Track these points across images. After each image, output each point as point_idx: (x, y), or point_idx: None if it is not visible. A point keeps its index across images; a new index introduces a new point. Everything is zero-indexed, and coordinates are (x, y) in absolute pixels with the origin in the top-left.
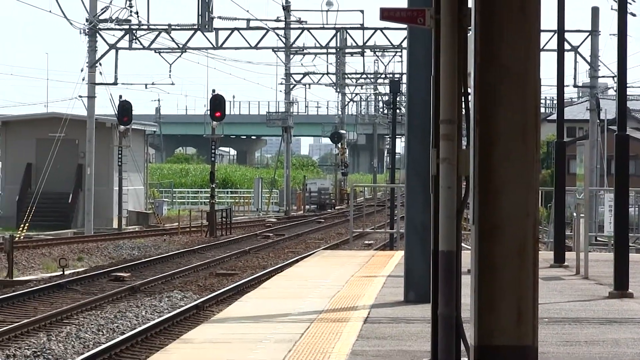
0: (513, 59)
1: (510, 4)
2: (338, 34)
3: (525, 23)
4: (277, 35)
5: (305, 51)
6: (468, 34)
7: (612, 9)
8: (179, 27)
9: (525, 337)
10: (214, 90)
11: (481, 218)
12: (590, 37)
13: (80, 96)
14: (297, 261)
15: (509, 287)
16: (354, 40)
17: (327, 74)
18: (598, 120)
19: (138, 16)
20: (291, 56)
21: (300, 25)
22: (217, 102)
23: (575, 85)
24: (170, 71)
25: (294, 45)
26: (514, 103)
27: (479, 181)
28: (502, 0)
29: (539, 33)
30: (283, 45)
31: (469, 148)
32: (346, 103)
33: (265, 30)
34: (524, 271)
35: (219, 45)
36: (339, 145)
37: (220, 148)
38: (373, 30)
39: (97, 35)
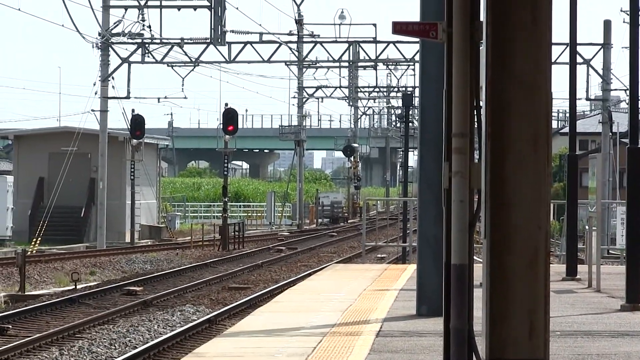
0: (525, 71)
1: (522, 17)
2: (351, 47)
3: (536, 36)
4: (290, 49)
5: (317, 65)
6: (480, 47)
7: (624, 22)
8: (192, 41)
9: (537, 351)
10: (226, 104)
11: (493, 231)
12: (602, 50)
13: (92, 110)
14: (309, 275)
15: (521, 300)
16: (366, 53)
17: (340, 87)
18: (610, 133)
19: (151, 30)
20: (304, 70)
21: (313, 39)
22: (229, 116)
23: (587, 98)
24: (182, 85)
25: (306, 59)
26: (525, 116)
27: (491, 194)
28: (513, 13)
29: (551, 46)
30: (296, 59)
31: (481, 161)
32: (359, 116)
33: (278, 44)
34: (536, 284)
35: (232, 59)
36: (352, 158)
37: (233, 162)
38: (386, 44)
39: (110, 49)
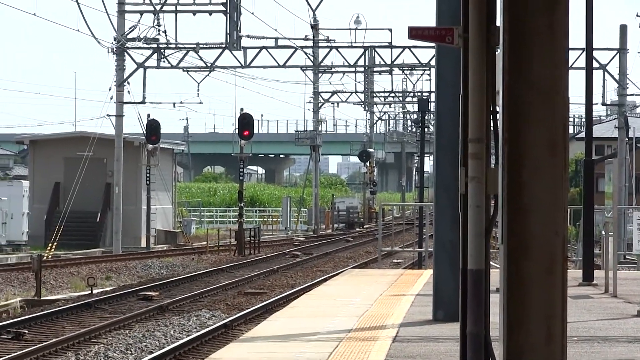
0: (542, 77)
1: (539, 22)
2: (366, 52)
3: (553, 41)
4: (306, 53)
5: (333, 70)
6: (496, 52)
7: None
8: (207, 46)
9: (554, 356)
10: (242, 109)
11: (510, 237)
12: (618, 55)
13: (108, 115)
14: (325, 280)
15: (538, 305)
16: (382, 58)
17: (356, 92)
18: (626, 138)
19: (166, 35)
20: (319, 75)
21: (329, 44)
22: (245, 121)
23: (603, 104)
24: (198, 90)
25: (322, 64)
26: (542, 121)
27: (508, 200)
28: (530, 19)
29: (568, 51)
30: (311, 64)
31: (498, 167)
32: (374, 121)
33: (294, 49)
34: (553, 290)
35: (247, 64)
36: (368, 163)
37: (249, 167)
38: (401, 49)
39: (125, 54)
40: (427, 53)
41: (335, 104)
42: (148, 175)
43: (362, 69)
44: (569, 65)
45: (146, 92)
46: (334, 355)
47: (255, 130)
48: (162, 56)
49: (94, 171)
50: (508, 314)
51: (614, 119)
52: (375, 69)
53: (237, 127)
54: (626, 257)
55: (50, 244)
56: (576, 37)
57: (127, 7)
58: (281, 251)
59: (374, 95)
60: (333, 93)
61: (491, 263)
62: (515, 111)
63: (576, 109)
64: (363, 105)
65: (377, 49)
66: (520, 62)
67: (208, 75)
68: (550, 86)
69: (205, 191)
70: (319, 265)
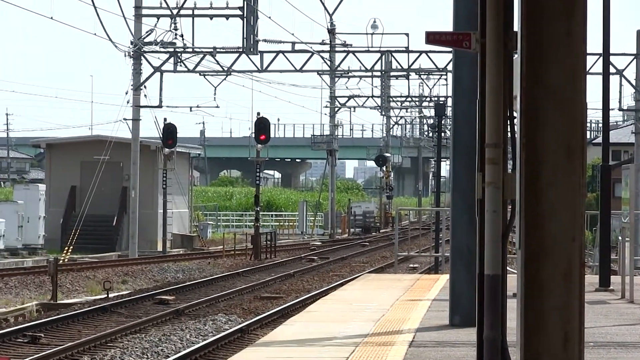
0: (559, 82)
1: (557, 28)
2: (383, 57)
3: (571, 46)
4: (322, 58)
5: (350, 74)
6: (514, 57)
7: None
8: (224, 50)
9: None
10: (258, 113)
11: (527, 242)
12: (635, 60)
13: (124, 119)
14: (342, 284)
15: (555, 311)
16: (399, 63)
17: (372, 96)
18: None
19: (183, 39)
20: (336, 79)
21: (345, 48)
22: (261, 125)
23: (620, 109)
24: (215, 94)
25: (339, 68)
26: (560, 126)
27: (525, 205)
28: (548, 24)
29: (585, 56)
30: (328, 68)
31: (515, 172)
32: (391, 126)
33: (310, 53)
34: (571, 295)
35: (264, 68)
36: (384, 168)
37: (265, 171)
38: (418, 54)
39: (142, 58)
40: (443, 58)
41: (352, 109)
42: (164, 179)
43: (378, 73)
44: (587, 71)
45: (163, 96)
46: None
47: (272, 135)
48: (179, 60)
49: (110, 175)
50: (525, 319)
51: (631, 124)
52: (392, 73)
53: (253, 131)
54: None
55: (66, 248)
56: (593, 42)
57: (144, 11)
58: (297, 255)
59: (391, 99)
60: (350, 97)
61: (507, 268)
62: (532, 116)
63: (593, 114)
64: (380, 110)
65: (394, 54)
66: (538, 68)
67: (225, 79)
68: (568, 92)
69: (221, 195)
70: (335, 270)
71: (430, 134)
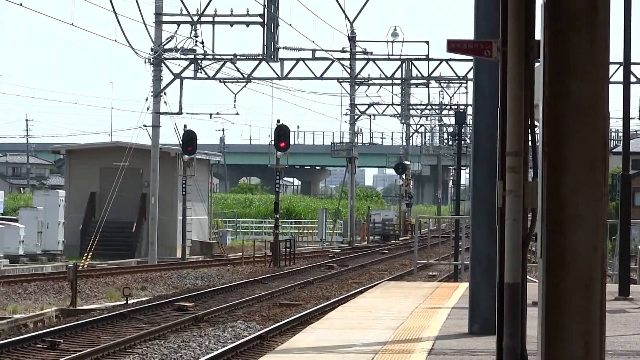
0: (582, 91)
1: (580, 37)
2: (403, 64)
3: (594, 56)
4: (342, 65)
5: (370, 82)
6: (535, 66)
7: None
8: (244, 57)
9: None
10: (278, 121)
11: (549, 251)
12: None
13: (144, 125)
14: (361, 292)
15: (577, 320)
16: (419, 71)
17: (392, 104)
18: None
19: (203, 46)
20: (356, 87)
21: (366, 56)
22: (281, 132)
23: None
24: (235, 101)
25: (359, 76)
26: (583, 136)
27: (547, 214)
28: (571, 34)
29: (608, 66)
30: (348, 76)
31: (536, 180)
32: (411, 134)
33: (331, 61)
34: (592, 304)
35: (284, 75)
36: (403, 176)
37: (285, 178)
38: (438, 62)
39: (162, 64)
40: (464, 66)
41: (372, 116)
42: (184, 185)
43: (399, 81)
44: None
45: (183, 103)
46: None
47: (292, 142)
48: (199, 67)
49: (130, 181)
50: (546, 327)
51: None
52: (412, 81)
53: (273, 138)
54: None
55: (85, 254)
56: (614, 51)
57: (165, 18)
58: (316, 263)
59: (411, 107)
60: (370, 105)
61: (527, 277)
62: (555, 126)
63: (613, 123)
64: (399, 118)
65: (414, 62)
66: (561, 77)
67: (245, 86)
68: (590, 101)
69: (240, 202)
70: (355, 277)
71: (450, 142)
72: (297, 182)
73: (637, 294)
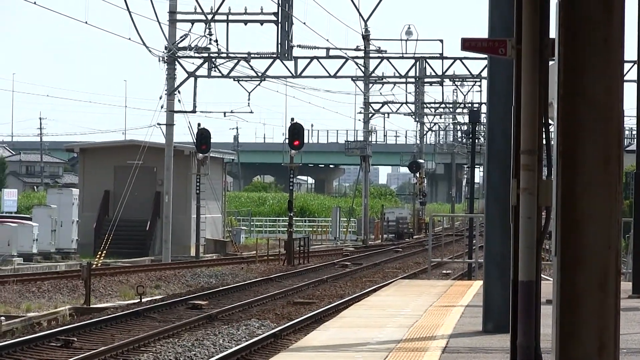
0: (597, 90)
1: (595, 36)
2: (417, 63)
3: (609, 54)
4: (357, 64)
5: (384, 80)
6: (549, 64)
7: None
8: (258, 56)
9: None
10: (292, 119)
11: (563, 249)
12: None
13: (158, 124)
14: (375, 290)
15: (591, 318)
16: (433, 69)
17: (406, 103)
18: None
19: (217, 44)
20: (370, 85)
21: (380, 55)
22: (295, 131)
23: None
24: (249, 99)
25: (373, 74)
26: (597, 134)
27: (562, 212)
28: (586, 32)
29: (623, 65)
30: (362, 74)
31: (550, 179)
32: (425, 132)
33: (345, 59)
34: (606, 302)
35: (298, 73)
36: (417, 174)
37: (299, 177)
38: (452, 60)
39: (176, 63)
40: (478, 64)
41: (386, 115)
42: (198, 184)
43: (412, 79)
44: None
45: (197, 101)
46: None
47: (306, 140)
48: (213, 65)
49: (143, 180)
50: (561, 325)
51: None
52: (426, 79)
53: (287, 136)
54: None
55: (99, 252)
56: (628, 49)
57: (179, 16)
58: (330, 261)
59: (425, 106)
60: (384, 104)
61: (542, 275)
62: (569, 124)
63: (627, 122)
64: (413, 116)
65: (428, 60)
66: (575, 75)
67: (259, 84)
68: (605, 99)
69: (254, 201)
70: (368, 276)
71: (464, 141)
72: (311, 180)
73: None
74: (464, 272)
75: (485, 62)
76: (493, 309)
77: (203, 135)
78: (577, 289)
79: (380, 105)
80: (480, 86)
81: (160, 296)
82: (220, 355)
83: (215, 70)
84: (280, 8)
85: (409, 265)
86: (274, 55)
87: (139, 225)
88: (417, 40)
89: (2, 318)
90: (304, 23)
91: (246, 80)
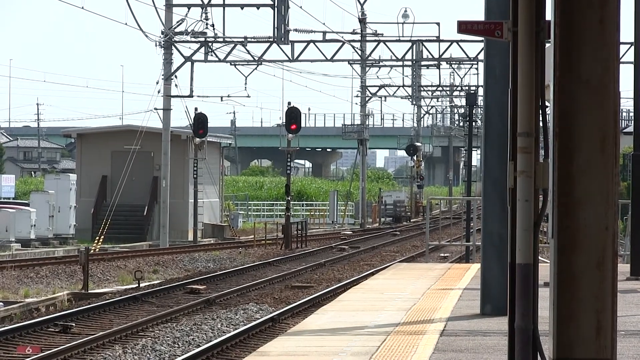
0: (593, 71)
1: (590, 17)
2: (414, 46)
3: (604, 36)
4: (353, 47)
5: (381, 63)
6: (546, 46)
7: None
8: (255, 40)
9: (604, 350)
10: (289, 103)
11: (560, 231)
12: None
13: (155, 108)
14: (372, 274)
15: (588, 300)
16: (429, 52)
17: (403, 86)
18: None
19: (214, 29)
20: (367, 68)
21: (376, 38)
22: (292, 115)
23: None
24: (245, 83)
25: (369, 58)
26: (593, 115)
27: (558, 194)
28: (581, 13)
29: (619, 46)
30: (359, 58)
31: (547, 161)
32: (422, 115)
33: (341, 43)
34: (603, 284)
35: (295, 57)
36: (415, 157)
37: (296, 160)
38: (449, 43)
39: (173, 47)
40: (475, 47)
41: (383, 98)
42: (195, 168)
43: (409, 62)
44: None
45: (194, 86)
46: (382, 348)
47: (303, 124)
48: (210, 50)
49: (141, 165)
50: (558, 307)
51: None
52: (423, 62)
53: (284, 120)
54: None
55: (97, 237)
56: (624, 31)
57: (175, 1)
58: (328, 245)
59: (422, 89)
60: (380, 87)
61: (539, 257)
62: (566, 105)
63: (624, 103)
64: (410, 99)
65: (424, 43)
66: (571, 57)
67: (256, 69)
68: (601, 81)
69: (252, 185)
70: (366, 259)
71: (461, 123)
72: (308, 164)
73: None
74: (461, 255)
75: (482, 44)
76: (491, 292)
77: (200, 120)
78: (574, 271)
79: (377, 88)
80: (477, 69)
81: (158, 281)
82: (219, 339)
83: (211, 55)
84: None
85: (407, 249)
86: (271, 40)
87: (136, 210)
88: (413, 23)
89: (1, 304)
90: (301, 7)
91: (243, 65)
